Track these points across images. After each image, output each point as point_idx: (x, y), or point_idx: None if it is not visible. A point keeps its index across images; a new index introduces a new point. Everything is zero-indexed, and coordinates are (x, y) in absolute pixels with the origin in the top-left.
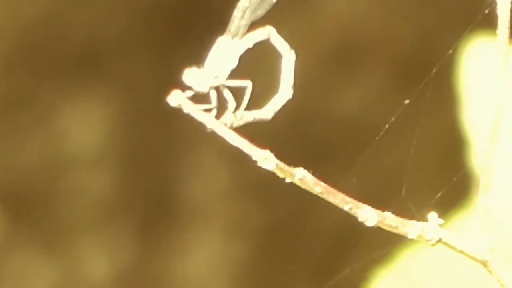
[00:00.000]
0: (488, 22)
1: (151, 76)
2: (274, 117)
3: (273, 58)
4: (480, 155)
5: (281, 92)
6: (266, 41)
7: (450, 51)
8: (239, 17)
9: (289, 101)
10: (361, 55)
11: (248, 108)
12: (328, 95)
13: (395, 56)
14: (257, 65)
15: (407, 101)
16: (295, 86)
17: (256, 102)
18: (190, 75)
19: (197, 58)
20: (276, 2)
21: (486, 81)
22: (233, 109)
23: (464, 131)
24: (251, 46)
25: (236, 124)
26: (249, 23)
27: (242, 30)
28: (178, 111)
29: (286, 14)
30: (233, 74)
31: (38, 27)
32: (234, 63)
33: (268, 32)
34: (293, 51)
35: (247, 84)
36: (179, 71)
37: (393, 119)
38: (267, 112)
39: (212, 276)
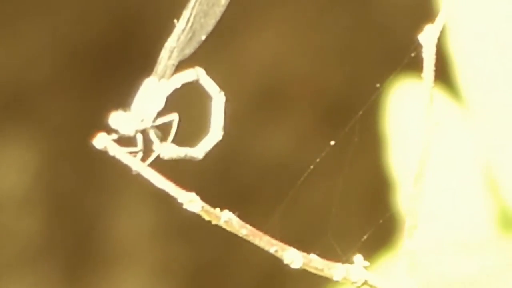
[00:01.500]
0: (414, 65)
1: (77, 119)
2: (199, 160)
3: (205, 98)
4: (406, 198)
5: (212, 134)
6: (195, 82)
7: (376, 93)
8: (166, 57)
9: (215, 144)
10: (286, 98)
11: (178, 144)
12: (253, 137)
13: (321, 99)
14: (189, 102)
15: (332, 142)
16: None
17: (188, 140)
18: (116, 118)
19: (124, 100)
20: (204, 41)
21: (412, 123)
22: (161, 146)
23: (390, 173)
24: (179, 86)
25: (168, 156)
26: (176, 63)
27: (169, 71)
28: (104, 153)
29: (210, 56)
30: (160, 114)
31: None
32: (160, 105)
33: (197, 74)
34: (222, 93)
35: (174, 117)
36: (105, 114)
37: (318, 160)
38: (198, 151)
39: None
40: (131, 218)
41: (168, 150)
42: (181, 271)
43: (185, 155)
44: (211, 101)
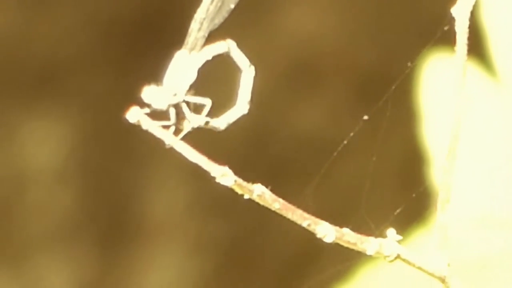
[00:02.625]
0: (447, 39)
1: (110, 93)
2: (233, 134)
3: (234, 70)
4: (439, 172)
5: (237, 106)
6: (226, 54)
7: (409, 67)
8: (196, 29)
9: (247, 118)
10: (319, 72)
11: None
12: (286, 112)
13: (354, 73)
14: (218, 74)
15: (366, 117)
16: (253, 102)
17: (213, 110)
18: (149, 93)
19: (156, 74)
20: (238, 15)
21: (445, 97)
22: (191, 121)
23: (423, 147)
24: (210, 58)
25: (190, 126)
26: (206, 34)
27: (200, 43)
28: (137, 128)
29: (244, 31)
30: (193, 86)
31: None
32: (192, 77)
33: (228, 46)
34: (252, 67)
35: (207, 102)
36: (138, 88)
37: (351, 134)
38: (221, 122)
39: None
40: (165, 192)
41: (188, 122)
42: (215, 245)
43: (206, 123)
44: (240, 74)
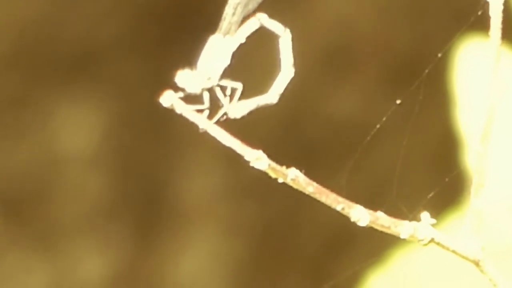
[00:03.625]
0: (481, 23)
1: (144, 77)
2: (266, 118)
3: (265, 48)
4: (473, 156)
5: (283, 72)
6: (259, 29)
7: (443, 52)
8: (231, 14)
9: (281, 102)
10: (353, 56)
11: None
12: (320, 96)
13: (387, 57)
14: (252, 54)
15: (398, 101)
16: (286, 87)
17: (257, 90)
18: (182, 77)
19: (190, 58)
20: (271, 2)
21: (479, 82)
22: (230, 103)
23: (457, 131)
24: (243, 40)
25: (239, 114)
26: (240, 19)
27: (233, 27)
28: (171, 112)
29: (278, 16)
30: (227, 71)
31: (32, 30)
32: (226, 62)
33: (259, 20)
34: (288, 30)
35: (238, 86)
36: (171, 72)
37: (384, 119)
38: (271, 96)
39: (206, 277)
40: (199, 176)
41: (237, 109)
42: (249, 230)
43: (257, 105)
44: (278, 41)
